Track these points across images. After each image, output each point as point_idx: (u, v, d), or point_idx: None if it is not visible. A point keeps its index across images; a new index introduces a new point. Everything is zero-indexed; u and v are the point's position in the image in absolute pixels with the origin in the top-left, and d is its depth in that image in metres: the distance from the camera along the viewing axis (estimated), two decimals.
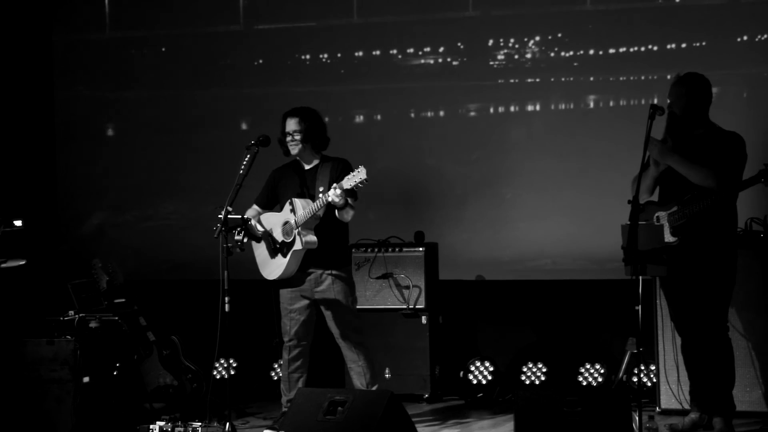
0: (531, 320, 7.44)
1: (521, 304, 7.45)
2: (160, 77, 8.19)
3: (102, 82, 8.31)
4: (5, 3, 8.01)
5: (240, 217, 6.01)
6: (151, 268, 7.99)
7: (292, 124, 6.14)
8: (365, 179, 5.74)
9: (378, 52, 7.72)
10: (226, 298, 5.77)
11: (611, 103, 7.29)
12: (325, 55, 7.85)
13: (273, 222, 6.14)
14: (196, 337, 6.93)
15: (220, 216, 5.85)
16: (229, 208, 5.89)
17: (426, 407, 6.97)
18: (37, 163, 8.22)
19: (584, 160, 7.29)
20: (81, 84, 8.36)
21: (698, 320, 5.73)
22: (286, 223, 6.07)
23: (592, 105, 7.34)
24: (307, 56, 7.88)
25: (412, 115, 7.70)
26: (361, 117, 7.83)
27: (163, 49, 8.24)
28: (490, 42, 7.50)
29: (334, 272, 6.14)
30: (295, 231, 6.00)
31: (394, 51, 7.69)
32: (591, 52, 7.31)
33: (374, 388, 6.14)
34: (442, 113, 7.64)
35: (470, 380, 7.25)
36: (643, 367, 6.72)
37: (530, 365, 7.25)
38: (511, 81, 7.48)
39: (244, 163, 5.97)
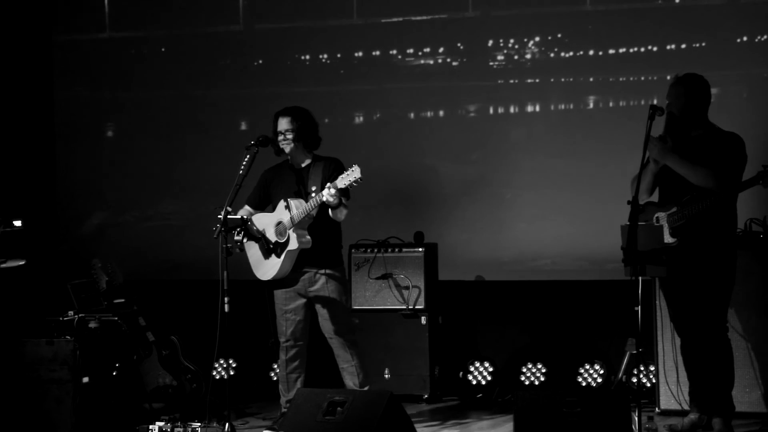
0: (530, 321, 7.43)
1: (521, 305, 7.45)
2: (160, 77, 8.18)
3: (102, 82, 8.31)
4: (5, 3, 8.00)
5: (240, 217, 6.02)
6: (151, 269, 7.99)
7: (284, 124, 6.14)
8: (360, 178, 5.74)
9: (378, 53, 7.72)
10: (226, 299, 5.77)
11: (611, 104, 7.29)
12: (325, 56, 7.85)
13: (265, 222, 6.13)
14: (195, 338, 6.93)
15: (219, 216, 5.85)
16: (229, 209, 5.90)
17: (425, 407, 6.97)
18: (37, 163, 8.22)
19: (584, 161, 7.28)
20: (81, 84, 8.36)
21: (698, 321, 5.73)
22: (279, 223, 6.07)
23: (591, 105, 7.34)
24: (307, 56, 7.89)
25: (412, 115, 7.70)
26: (361, 117, 7.83)
27: (163, 49, 8.24)
28: (490, 42, 7.50)
29: (327, 271, 6.14)
30: (289, 231, 6.00)
31: (394, 51, 7.69)
32: (591, 52, 7.31)
33: (366, 389, 6.14)
34: (441, 113, 7.64)
35: (470, 381, 7.25)
36: (642, 368, 6.72)
37: (530, 366, 7.25)
38: (511, 81, 7.48)
39: (244, 163, 5.98)
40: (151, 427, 5.95)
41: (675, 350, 6.20)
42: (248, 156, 6.00)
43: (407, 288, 7.15)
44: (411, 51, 7.65)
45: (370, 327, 7.11)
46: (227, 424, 5.77)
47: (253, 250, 6.16)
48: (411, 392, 7.03)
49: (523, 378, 7.24)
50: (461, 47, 7.55)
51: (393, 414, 5.39)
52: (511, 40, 7.44)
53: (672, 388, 6.37)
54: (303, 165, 6.21)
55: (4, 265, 6.35)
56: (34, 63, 8.23)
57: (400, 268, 7.18)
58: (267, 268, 6.12)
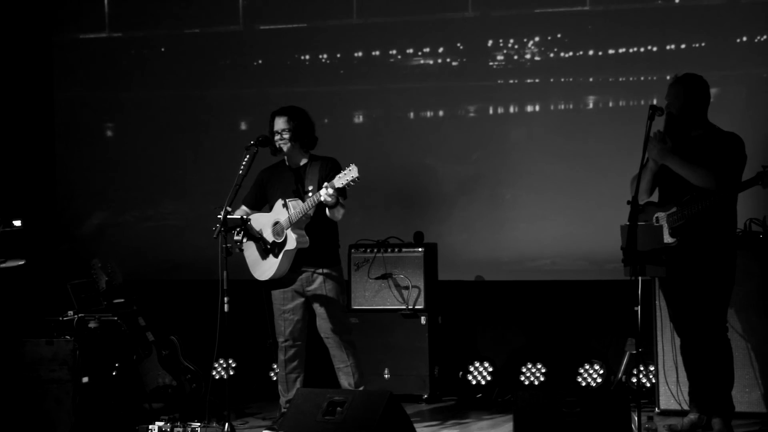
0: (530, 321, 7.44)
1: (520, 305, 7.45)
2: (160, 77, 8.19)
3: (102, 82, 8.31)
4: (5, 3, 8.00)
5: (239, 217, 6.01)
6: (151, 269, 7.99)
7: (280, 123, 6.14)
8: (357, 177, 5.74)
9: (377, 53, 7.72)
10: (226, 299, 5.77)
11: (610, 104, 7.29)
12: (325, 56, 7.85)
13: (262, 222, 6.13)
14: (195, 338, 6.93)
15: (219, 216, 5.85)
16: (229, 209, 5.90)
17: (425, 407, 6.97)
18: (37, 163, 8.22)
19: (584, 161, 7.29)
20: (81, 84, 8.36)
21: (697, 321, 5.73)
22: (276, 223, 6.07)
23: (591, 105, 7.34)
24: (307, 56, 7.89)
25: (412, 115, 7.70)
26: (361, 117, 7.84)
27: (163, 49, 8.24)
28: (490, 42, 7.50)
29: (325, 271, 6.14)
30: (286, 231, 6.01)
31: (394, 51, 7.69)
32: (590, 52, 7.31)
33: (361, 389, 6.13)
34: (441, 114, 7.64)
35: (469, 381, 7.25)
36: (642, 368, 6.72)
37: (529, 366, 7.25)
38: (511, 81, 7.48)
39: (244, 163, 5.98)
40: (150, 427, 5.95)
41: (675, 350, 6.20)
42: (248, 156, 6.00)
43: (407, 288, 7.15)
44: (411, 51, 7.66)
45: (370, 327, 7.12)
46: (227, 424, 5.77)
47: (250, 250, 6.16)
48: (411, 392, 7.03)
49: (522, 378, 7.24)
50: (461, 47, 7.55)
51: (392, 414, 5.39)
52: (511, 40, 7.44)
53: (672, 388, 6.37)
54: (300, 165, 6.20)
55: (3, 265, 6.35)
56: (34, 63, 8.23)
57: (399, 268, 7.18)
58: (265, 269, 6.12)
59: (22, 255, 6.46)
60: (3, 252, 6.39)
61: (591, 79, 7.32)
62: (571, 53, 7.35)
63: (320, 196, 5.83)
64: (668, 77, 5.88)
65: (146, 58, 8.25)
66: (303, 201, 5.97)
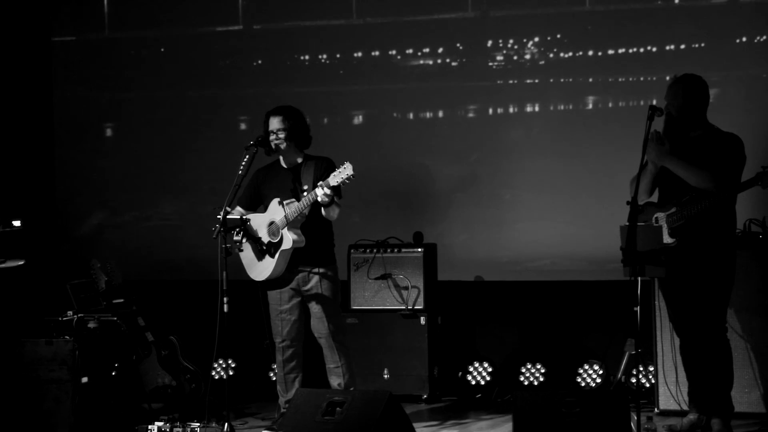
0: (530, 321, 7.44)
1: (520, 305, 7.45)
2: (160, 77, 8.19)
3: (101, 82, 8.31)
4: (5, 3, 8.00)
5: (239, 217, 6.01)
6: (150, 269, 7.99)
7: (275, 123, 6.13)
8: (352, 175, 5.74)
9: (377, 53, 7.72)
10: (225, 299, 5.77)
11: (610, 104, 7.29)
12: (324, 56, 7.85)
13: (258, 223, 6.13)
14: (194, 338, 6.93)
15: (219, 216, 5.85)
16: (228, 209, 5.90)
17: (424, 408, 6.97)
18: (36, 163, 8.22)
19: (583, 161, 7.29)
20: (80, 84, 8.36)
21: (697, 321, 5.73)
22: (271, 223, 6.07)
23: (591, 106, 7.34)
24: (306, 56, 7.89)
25: (411, 115, 7.70)
26: (360, 117, 7.84)
27: (163, 49, 8.24)
28: (489, 43, 7.50)
29: (321, 270, 6.14)
30: (282, 230, 6.01)
31: (393, 51, 7.69)
32: (590, 53, 7.31)
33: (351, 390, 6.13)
34: (441, 114, 7.64)
35: (469, 381, 7.25)
36: (641, 368, 6.72)
37: (529, 366, 7.25)
38: (510, 82, 7.48)
39: (243, 163, 5.98)
40: (150, 427, 5.95)
41: (674, 350, 6.20)
42: (247, 156, 6.00)
43: (406, 288, 7.15)
44: (410, 51, 7.65)
45: (370, 327, 7.12)
46: (226, 424, 5.77)
47: (246, 251, 6.15)
48: (410, 392, 7.03)
49: (522, 378, 7.25)
50: (460, 47, 7.55)
51: (392, 414, 5.39)
52: (511, 41, 7.44)
53: (671, 388, 6.37)
54: (295, 164, 6.20)
55: (3, 265, 6.36)
56: (33, 63, 8.23)
57: (399, 269, 7.18)
58: (261, 269, 6.12)
59: (22, 255, 6.46)
60: (2, 252, 6.39)
61: (590, 80, 7.32)
62: (570, 53, 7.35)
63: (315, 195, 5.82)
64: (668, 77, 5.88)
65: (146, 58, 8.25)
66: (298, 200, 5.97)
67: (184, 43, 8.14)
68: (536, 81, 7.42)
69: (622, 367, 6.75)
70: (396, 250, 7.21)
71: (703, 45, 7.09)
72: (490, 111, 7.53)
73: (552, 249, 7.37)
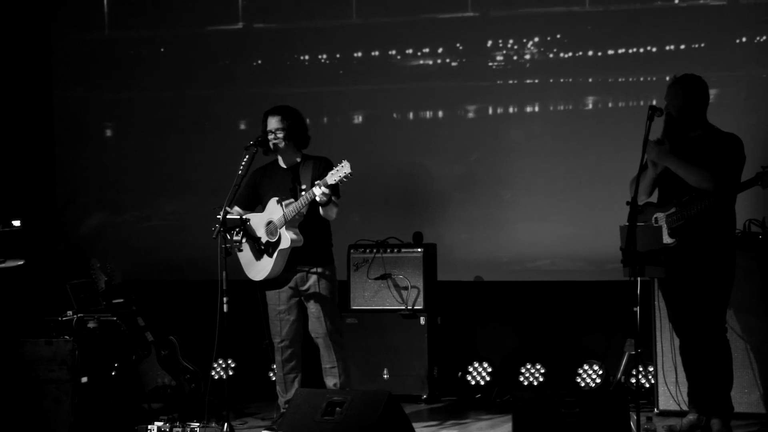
0: (529, 321, 7.44)
1: (520, 305, 7.45)
2: (160, 77, 8.19)
3: (101, 82, 8.31)
4: (4, 2, 8.00)
5: (239, 217, 6.01)
6: (150, 269, 7.99)
7: (273, 123, 6.12)
8: (349, 173, 5.73)
9: (377, 53, 7.72)
10: (225, 299, 5.77)
11: (610, 105, 7.29)
12: (324, 56, 7.85)
13: (255, 222, 6.13)
14: (194, 338, 6.92)
15: (218, 216, 5.85)
16: (228, 209, 5.90)
17: (424, 408, 6.97)
18: (36, 162, 8.22)
19: (583, 161, 7.29)
20: (80, 84, 8.36)
21: (696, 321, 5.73)
22: (269, 222, 6.07)
23: (590, 106, 7.34)
24: (306, 57, 7.89)
25: (411, 115, 7.70)
26: (360, 117, 7.83)
27: (163, 49, 8.24)
28: (489, 43, 7.50)
29: (319, 270, 6.13)
30: (280, 229, 6.00)
31: (393, 51, 7.69)
32: (590, 53, 7.31)
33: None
34: (440, 114, 7.64)
35: (468, 381, 7.25)
36: (641, 368, 6.72)
37: (528, 366, 7.25)
38: (510, 82, 7.48)
39: (243, 163, 5.97)
40: (149, 427, 5.95)
41: (674, 351, 6.20)
42: (247, 156, 6.00)
43: (406, 288, 7.15)
44: (410, 51, 7.65)
45: (369, 327, 7.12)
46: (226, 425, 5.77)
47: (245, 250, 6.14)
48: (410, 392, 7.03)
49: (521, 378, 7.24)
50: (460, 47, 7.55)
51: (392, 414, 5.39)
52: (510, 41, 7.44)
53: (671, 388, 6.37)
54: (293, 164, 6.19)
55: (3, 265, 6.35)
56: (33, 62, 8.23)
57: (399, 269, 7.18)
58: (259, 269, 6.12)
59: (22, 255, 6.46)
60: (2, 252, 6.39)
61: (590, 80, 7.32)
62: (570, 54, 7.35)
63: (313, 193, 5.82)
64: (668, 78, 5.88)
65: (146, 57, 8.25)
66: (296, 200, 5.97)
67: (184, 42, 8.14)
68: (536, 81, 7.42)
69: (622, 367, 6.75)
70: (396, 250, 7.21)
71: (703, 45, 7.09)
72: (490, 111, 7.53)
73: (552, 249, 7.37)
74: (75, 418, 6.17)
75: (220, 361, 7.63)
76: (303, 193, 5.93)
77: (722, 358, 5.75)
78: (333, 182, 5.78)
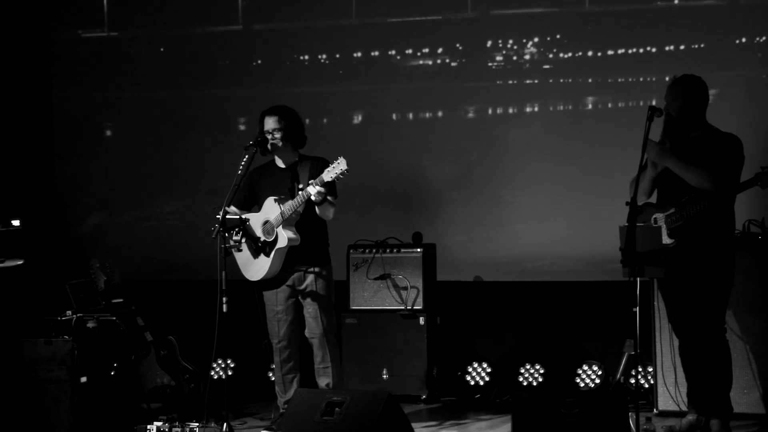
0: (528, 321, 7.44)
1: (519, 306, 7.45)
2: (159, 77, 8.18)
3: (100, 81, 8.31)
4: (4, 3, 8.00)
5: (238, 217, 6.01)
6: (149, 269, 7.99)
7: (271, 123, 6.12)
8: (346, 170, 5.72)
9: (376, 53, 7.72)
10: (224, 299, 5.77)
11: (610, 105, 7.29)
12: (324, 56, 7.85)
13: (252, 222, 6.12)
14: (193, 338, 6.92)
15: (218, 216, 5.85)
16: (227, 209, 5.90)
17: (423, 408, 6.97)
18: (35, 162, 8.22)
19: (583, 162, 7.28)
20: (79, 83, 8.35)
21: (696, 322, 5.73)
22: (266, 222, 6.07)
23: (590, 106, 7.34)
24: (306, 57, 7.88)
25: (411, 116, 7.69)
26: (360, 117, 7.83)
27: (162, 49, 8.24)
28: (489, 43, 7.50)
29: (316, 269, 6.13)
30: (277, 229, 6.00)
31: (393, 52, 7.69)
32: (589, 53, 7.31)
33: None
34: (440, 114, 7.64)
35: (468, 381, 7.25)
36: (640, 369, 6.72)
37: (528, 366, 7.25)
38: (510, 82, 7.48)
39: (243, 163, 5.97)
40: (149, 427, 5.95)
41: (673, 351, 6.20)
42: (247, 156, 6.00)
43: (405, 288, 7.15)
44: (410, 51, 7.65)
45: (369, 327, 7.12)
46: (225, 425, 5.77)
47: (242, 250, 6.13)
48: (409, 393, 7.03)
49: (521, 379, 7.24)
50: (460, 48, 7.55)
51: (391, 414, 5.39)
52: (510, 41, 7.44)
53: (670, 389, 6.37)
54: (290, 164, 6.19)
55: (2, 265, 6.35)
56: (32, 62, 8.23)
57: (398, 269, 7.18)
58: (256, 269, 6.11)
59: (21, 255, 6.46)
60: (2, 252, 6.39)
61: (590, 80, 7.32)
62: (570, 54, 7.35)
63: (308, 192, 5.82)
64: (667, 78, 5.88)
65: (145, 57, 8.25)
66: (293, 199, 5.96)
67: (184, 42, 8.14)
68: (536, 81, 7.42)
69: (621, 367, 6.75)
70: (395, 250, 7.20)
71: (703, 45, 7.09)
72: (490, 111, 7.53)
73: (551, 249, 7.37)
74: (74, 417, 6.16)
75: (220, 361, 7.63)
76: (299, 191, 5.93)
77: (721, 358, 5.75)
78: (329, 179, 5.78)
